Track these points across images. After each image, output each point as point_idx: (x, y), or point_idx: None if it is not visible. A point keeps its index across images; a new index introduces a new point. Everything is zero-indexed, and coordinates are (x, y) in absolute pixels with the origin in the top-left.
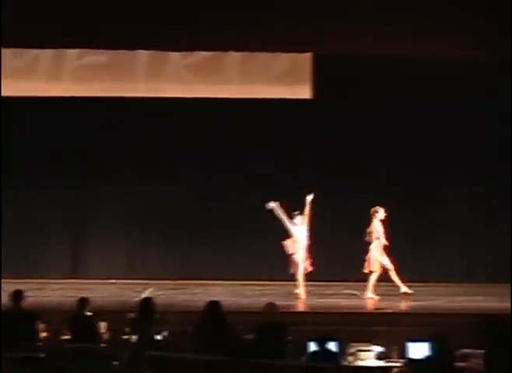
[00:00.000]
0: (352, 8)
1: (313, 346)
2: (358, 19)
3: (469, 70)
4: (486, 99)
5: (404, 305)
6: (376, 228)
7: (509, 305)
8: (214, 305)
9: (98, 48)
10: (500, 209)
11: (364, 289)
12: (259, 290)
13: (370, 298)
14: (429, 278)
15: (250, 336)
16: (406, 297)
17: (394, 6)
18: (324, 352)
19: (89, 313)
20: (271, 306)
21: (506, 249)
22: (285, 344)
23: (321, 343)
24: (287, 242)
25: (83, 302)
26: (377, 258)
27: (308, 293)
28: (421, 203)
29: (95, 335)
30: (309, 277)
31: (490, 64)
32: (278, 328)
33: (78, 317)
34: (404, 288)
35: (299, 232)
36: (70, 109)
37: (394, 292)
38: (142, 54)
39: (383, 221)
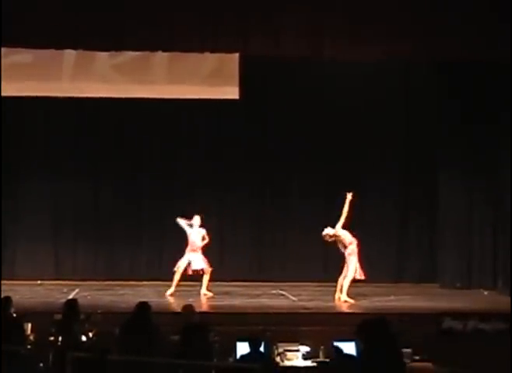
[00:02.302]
0: (280, 9)
1: (243, 347)
2: (285, 20)
3: (394, 70)
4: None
5: (331, 305)
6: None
7: (435, 303)
8: (143, 306)
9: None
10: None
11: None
12: (187, 291)
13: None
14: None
15: (176, 337)
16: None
17: (321, 8)
18: (254, 353)
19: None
20: (188, 308)
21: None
22: (210, 345)
23: (255, 344)
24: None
25: (7, 301)
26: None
27: (236, 293)
28: (352, 204)
29: (21, 336)
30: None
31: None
32: (201, 329)
33: (3, 317)
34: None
35: (194, 234)
36: None
37: (323, 293)
38: (69, 54)
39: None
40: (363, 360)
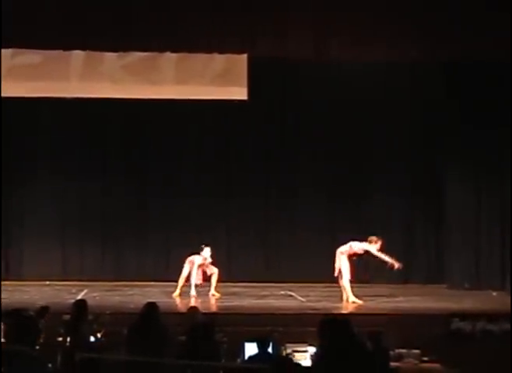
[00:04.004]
0: (287, 10)
1: (251, 348)
2: (292, 21)
3: (401, 71)
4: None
5: (338, 306)
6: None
7: (443, 304)
8: (151, 307)
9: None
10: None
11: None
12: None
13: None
14: (366, 279)
15: (183, 338)
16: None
17: (328, 9)
18: (262, 353)
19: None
20: (192, 309)
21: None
22: (217, 345)
23: (263, 345)
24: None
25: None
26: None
27: (244, 294)
28: (356, 204)
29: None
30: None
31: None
32: (207, 329)
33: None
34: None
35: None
36: (3, 108)
37: (331, 293)
38: (78, 54)
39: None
40: (318, 363)
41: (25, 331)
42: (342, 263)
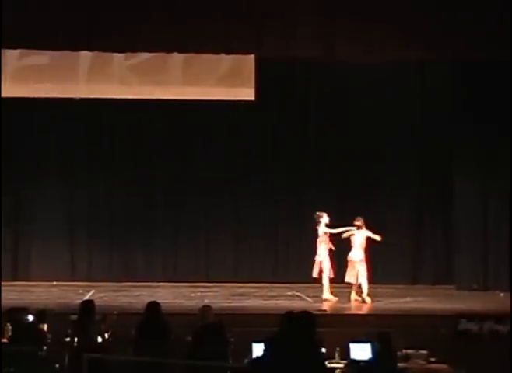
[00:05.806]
0: (294, 10)
1: (259, 349)
2: (297, 22)
3: (409, 71)
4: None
5: (346, 307)
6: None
7: (451, 305)
8: (153, 306)
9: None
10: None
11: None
12: (202, 291)
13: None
14: (374, 280)
15: (191, 338)
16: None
17: (334, 9)
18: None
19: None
20: (205, 309)
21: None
22: (226, 346)
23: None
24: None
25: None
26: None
27: (252, 294)
28: (364, 204)
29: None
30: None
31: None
32: (216, 330)
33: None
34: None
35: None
36: (12, 109)
37: (338, 294)
38: (85, 55)
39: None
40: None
41: (28, 333)
42: (364, 268)
